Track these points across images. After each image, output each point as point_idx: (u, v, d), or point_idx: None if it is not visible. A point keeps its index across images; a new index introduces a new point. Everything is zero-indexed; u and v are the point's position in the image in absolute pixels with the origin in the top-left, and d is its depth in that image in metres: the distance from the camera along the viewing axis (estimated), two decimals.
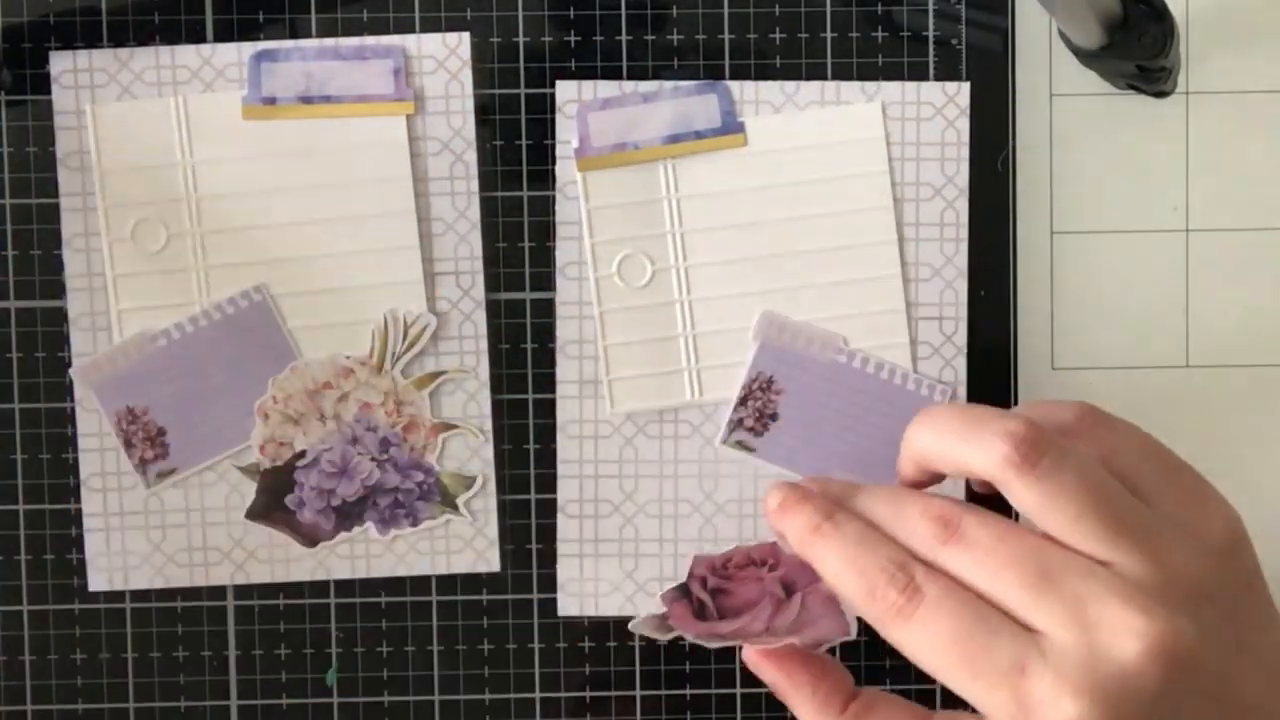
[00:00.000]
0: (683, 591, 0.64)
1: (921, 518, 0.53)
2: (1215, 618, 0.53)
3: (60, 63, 0.68)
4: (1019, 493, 0.52)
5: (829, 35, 0.69)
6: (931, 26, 0.69)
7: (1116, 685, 0.50)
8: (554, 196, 0.69)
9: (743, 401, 0.69)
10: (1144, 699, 0.51)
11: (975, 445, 0.53)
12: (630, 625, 0.62)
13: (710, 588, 0.64)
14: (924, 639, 0.52)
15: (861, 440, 0.68)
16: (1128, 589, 0.51)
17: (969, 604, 0.52)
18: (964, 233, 0.69)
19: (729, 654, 0.69)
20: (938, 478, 0.57)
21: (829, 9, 0.69)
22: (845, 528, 0.54)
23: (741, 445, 0.69)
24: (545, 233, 0.69)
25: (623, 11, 0.69)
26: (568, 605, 0.70)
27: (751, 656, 0.60)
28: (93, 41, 0.68)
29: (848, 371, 0.68)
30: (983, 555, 0.52)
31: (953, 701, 0.55)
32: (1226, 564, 0.54)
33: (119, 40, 0.68)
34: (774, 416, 0.68)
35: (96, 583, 0.69)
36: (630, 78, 0.69)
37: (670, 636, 0.63)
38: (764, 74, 0.69)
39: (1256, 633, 0.54)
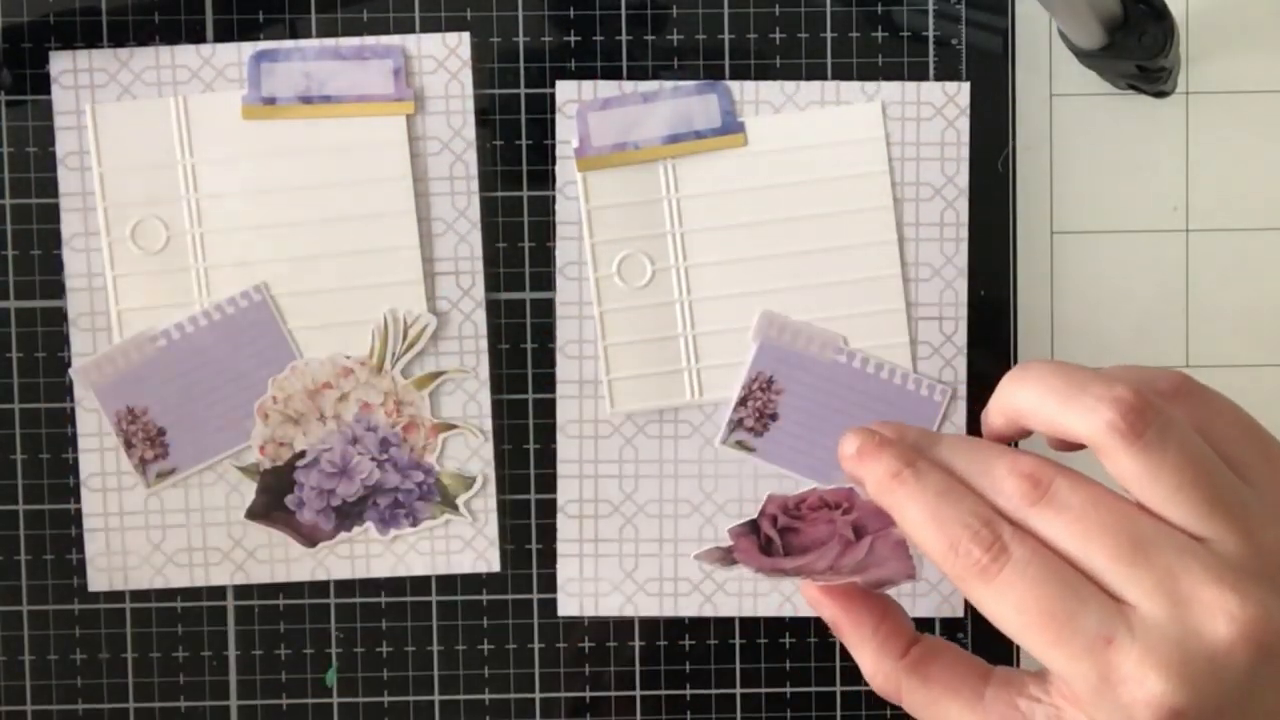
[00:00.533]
0: (751, 528, 0.64)
1: (1010, 474, 0.51)
2: None
3: (60, 63, 0.68)
4: (1122, 462, 0.50)
5: (829, 35, 0.69)
6: (931, 26, 0.69)
7: (1206, 665, 0.49)
8: (554, 196, 0.69)
9: (743, 401, 0.68)
10: (1231, 682, 0.49)
11: (1079, 409, 0.51)
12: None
13: (780, 526, 0.64)
14: (1007, 601, 0.50)
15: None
16: (1222, 568, 0.49)
17: (1057, 569, 0.50)
18: (964, 233, 0.69)
19: (728, 654, 0.69)
20: (1024, 434, 0.54)
21: (829, 9, 0.69)
22: (928, 478, 0.52)
23: (741, 445, 0.69)
24: (545, 233, 0.69)
25: (623, 11, 0.69)
26: (568, 605, 0.70)
27: (812, 592, 0.58)
28: (93, 41, 0.68)
29: (848, 371, 0.68)
30: (1074, 520, 0.50)
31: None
32: None
33: (119, 40, 0.68)
34: (774, 416, 0.68)
35: (96, 583, 0.69)
36: (630, 78, 0.69)
37: (732, 569, 0.64)
38: (764, 74, 0.69)
39: None
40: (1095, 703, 0.50)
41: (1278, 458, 0.53)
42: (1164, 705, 0.49)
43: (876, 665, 0.57)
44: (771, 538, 0.63)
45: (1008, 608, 0.50)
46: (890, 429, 0.55)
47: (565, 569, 0.69)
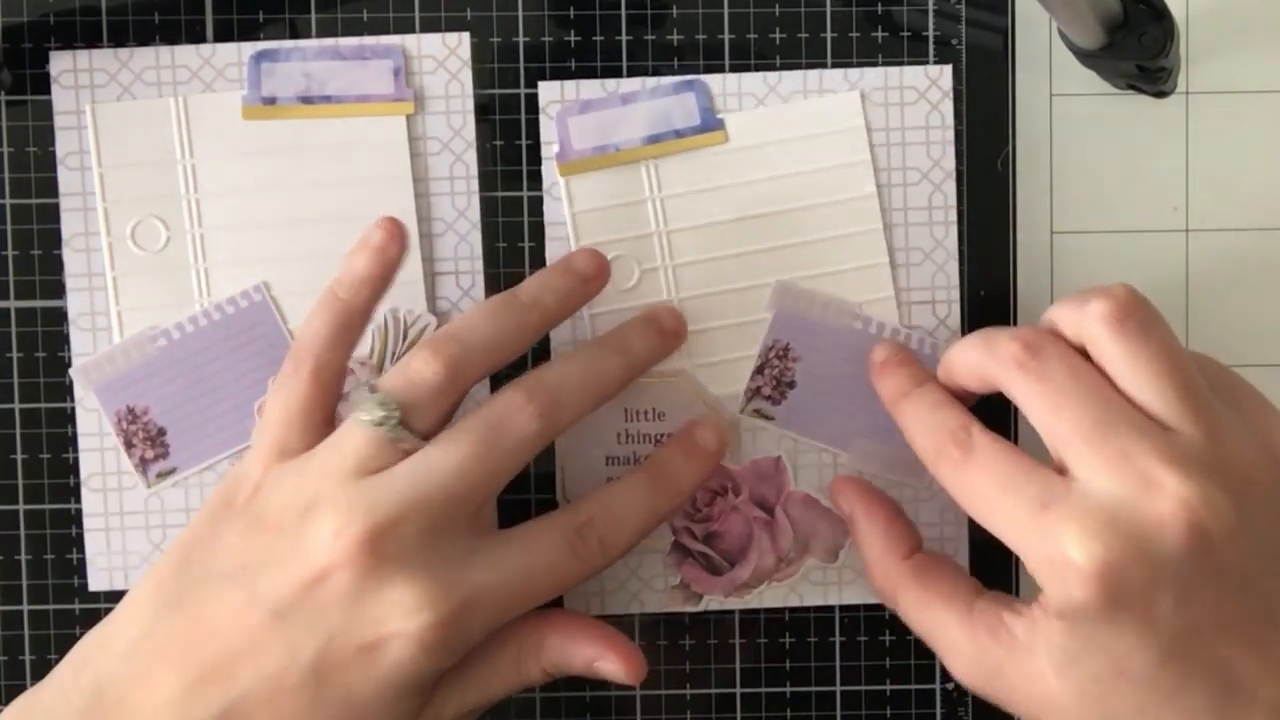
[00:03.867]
0: (682, 553, 0.65)
1: (1010, 339, 0.57)
2: (1259, 514, 0.53)
3: (60, 63, 0.68)
4: (1107, 348, 0.55)
5: (829, 36, 0.69)
6: (931, 26, 0.69)
7: (1136, 536, 0.51)
8: (541, 199, 0.69)
9: (760, 370, 0.68)
10: (1161, 559, 0.51)
11: (1075, 303, 0.57)
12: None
13: (701, 537, 0.66)
14: (971, 485, 0.56)
15: (881, 404, 0.67)
16: (1178, 453, 0.52)
17: (1011, 454, 0.55)
18: (952, 215, 0.69)
19: (728, 654, 0.69)
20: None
21: (829, 9, 0.69)
22: (925, 397, 0.61)
23: (760, 414, 0.68)
24: (545, 233, 0.69)
25: (623, 11, 0.69)
26: (572, 604, 0.69)
27: (839, 483, 0.65)
28: (93, 41, 0.69)
29: (864, 338, 0.68)
30: (1051, 390, 0.55)
31: None
32: None
33: (119, 40, 0.69)
34: (792, 384, 0.68)
35: (96, 582, 0.69)
36: (631, 77, 0.69)
37: (700, 606, 0.66)
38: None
39: None
40: (1040, 572, 0.54)
41: (1253, 396, 0.58)
42: (1089, 566, 0.52)
43: (880, 562, 0.62)
44: (705, 552, 0.66)
45: (970, 491, 0.56)
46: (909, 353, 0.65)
47: None
